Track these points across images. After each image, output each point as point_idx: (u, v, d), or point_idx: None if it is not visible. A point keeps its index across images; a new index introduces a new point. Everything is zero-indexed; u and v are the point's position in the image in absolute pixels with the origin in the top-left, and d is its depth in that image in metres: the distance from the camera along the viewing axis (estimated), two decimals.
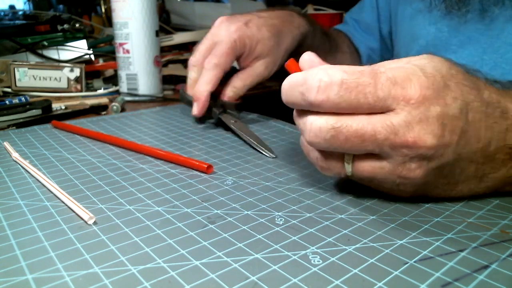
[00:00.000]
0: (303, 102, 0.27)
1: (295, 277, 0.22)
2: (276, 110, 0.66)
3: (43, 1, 1.25)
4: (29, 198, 0.31)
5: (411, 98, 0.25)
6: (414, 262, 0.23)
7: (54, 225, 0.27)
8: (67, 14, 0.91)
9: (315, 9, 1.10)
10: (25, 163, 0.37)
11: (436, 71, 0.26)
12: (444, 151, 0.26)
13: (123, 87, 0.66)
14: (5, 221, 0.28)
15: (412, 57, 0.27)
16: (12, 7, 1.32)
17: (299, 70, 0.30)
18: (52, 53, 0.78)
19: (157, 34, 0.65)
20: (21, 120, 0.52)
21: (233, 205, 0.30)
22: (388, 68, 0.26)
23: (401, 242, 0.25)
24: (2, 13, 1.04)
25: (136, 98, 0.65)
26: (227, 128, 0.48)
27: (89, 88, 0.73)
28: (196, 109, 0.48)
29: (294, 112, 0.29)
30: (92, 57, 0.81)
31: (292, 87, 0.28)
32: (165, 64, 0.84)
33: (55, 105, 0.59)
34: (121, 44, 0.64)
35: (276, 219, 0.28)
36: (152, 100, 0.66)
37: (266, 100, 0.82)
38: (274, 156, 0.40)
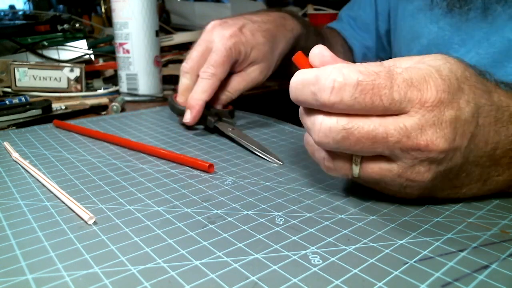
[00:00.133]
0: (314, 102, 0.26)
1: (295, 277, 0.22)
2: (276, 110, 0.66)
3: (43, 1, 1.25)
4: (29, 198, 0.31)
5: (427, 101, 0.24)
6: (414, 262, 0.23)
7: (54, 225, 0.27)
8: (67, 14, 0.91)
9: (315, 9, 1.10)
10: (25, 163, 0.37)
11: (452, 73, 0.25)
12: (453, 155, 0.25)
13: (123, 87, 0.66)
14: (5, 221, 0.28)
15: (426, 56, 0.27)
16: (12, 7, 1.32)
17: (309, 64, 0.28)
18: (52, 53, 0.78)
19: (157, 34, 0.65)
20: (21, 120, 0.52)
21: (233, 205, 0.30)
22: (404, 68, 0.25)
23: (401, 242, 0.25)
24: (2, 13, 1.04)
25: (136, 98, 0.65)
26: (224, 136, 0.47)
27: (89, 88, 0.73)
28: (189, 117, 0.47)
29: (301, 110, 0.28)
30: (92, 57, 0.81)
31: (303, 85, 0.26)
32: (165, 64, 0.84)
33: (55, 105, 0.59)
34: (121, 44, 0.64)
35: (276, 219, 0.28)
36: (152, 100, 0.66)
37: (266, 100, 0.82)
38: (281, 163, 0.38)
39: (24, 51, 0.76)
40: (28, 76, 0.67)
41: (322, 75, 0.25)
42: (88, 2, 1.24)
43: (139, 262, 0.23)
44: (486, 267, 0.23)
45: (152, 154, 0.40)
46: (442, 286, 0.21)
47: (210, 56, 0.48)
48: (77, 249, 0.24)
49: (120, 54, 0.64)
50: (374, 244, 0.25)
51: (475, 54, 0.45)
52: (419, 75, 0.25)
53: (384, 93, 0.24)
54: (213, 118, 0.47)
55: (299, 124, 0.38)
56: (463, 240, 0.25)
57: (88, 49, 0.81)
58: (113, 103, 0.59)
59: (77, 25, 0.83)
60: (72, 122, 0.51)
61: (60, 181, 0.34)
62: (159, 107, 0.61)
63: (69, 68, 0.68)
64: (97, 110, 0.58)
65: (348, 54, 0.69)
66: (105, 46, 0.89)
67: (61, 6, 1.22)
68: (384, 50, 0.68)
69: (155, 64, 0.65)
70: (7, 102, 0.55)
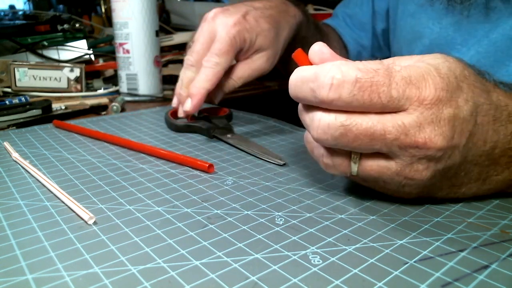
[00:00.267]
0: (313, 98, 0.26)
1: (295, 277, 0.22)
2: (276, 110, 0.66)
3: (43, 1, 1.25)
4: (29, 198, 0.31)
5: (425, 99, 0.24)
6: (414, 262, 0.23)
7: (54, 225, 0.27)
8: (67, 14, 0.91)
9: (315, 9, 1.10)
10: (25, 163, 0.37)
11: (450, 72, 0.25)
12: (452, 153, 0.25)
13: (123, 87, 0.66)
14: (5, 221, 0.28)
15: (425, 55, 0.27)
16: (12, 7, 1.31)
17: (308, 61, 0.28)
18: (52, 53, 0.78)
19: (157, 34, 0.65)
20: (21, 120, 0.52)
21: (233, 205, 0.30)
22: (403, 66, 0.25)
23: (401, 242, 0.25)
24: (2, 13, 1.04)
25: (136, 98, 0.65)
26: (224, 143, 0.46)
27: (89, 88, 0.73)
28: (189, 105, 0.45)
29: (300, 106, 0.28)
30: (92, 57, 0.81)
31: (302, 82, 0.27)
32: (165, 64, 0.84)
33: (55, 105, 0.59)
34: (121, 44, 0.64)
35: (276, 219, 0.28)
36: (152, 100, 0.66)
37: (266, 100, 0.82)
38: (282, 163, 0.38)
39: (24, 51, 0.76)
40: (28, 76, 0.67)
41: (321, 72, 0.25)
42: (88, 2, 1.24)
43: (139, 262, 0.23)
44: (486, 267, 0.23)
45: (152, 155, 0.40)
46: (442, 286, 0.21)
47: (213, 45, 0.46)
48: (77, 249, 0.24)
49: (120, 54, 0.64)
50: (374, 244, 0.25)
51: (476, 53, 0.45)
52: (417, 73, 0.25)
53: (382, 91, 0.24)
54: (211, 128, 0.46)
55: (299, 124, 0.38)
56: (463, 240, 0.25)
57: (88, 49, 0.81)
58: (113, 103, 0.59)
59: (77, 25, 0.83)
60: (72, 122, 0.51)
61: (60, 181, 0.34)
62: (159, 107, 0.61)
63: (69, 68, 0.68)
64: (97, 110, 0.58)
65: (343, 51, 0.68)
66: (105, 46, 0.89)
67: (61, 6, 1.22)
68: (380, 50, 0.67)
69: (155, 64, 0.65)
70: (7, 102, 0.55)
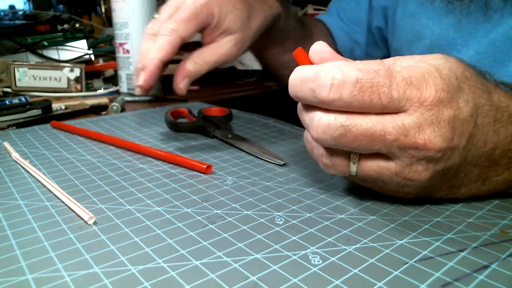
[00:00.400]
0: (313, 98, 0.26)
1: (295, 277, 0.22)
2: (276, 110, 0.66)
3: (43, 1, 1.25)
4: (29, 198, 0.31)
5: (426, 100, 0.24)
6: (414, 262, 0.23)
7: (54, 225, 0.27)
8: (67, 14, 0.91)
9: (315, 9, 1.10)
10: (25, 163, 0.37)
11: (451, 72, 0.25)
12: (451, 154, 0.25)
13: (123, 87, 0.66)
14: (5, 221, 0.28)
15: (426, 56, 0.27)
16: (12, 7, 1.31)
17: (308, 61, 0.28)
18: (52, 53, 0.78)
19: None
20: (21, 120, 0.52)
21: (233, 205, 0.30)
22: (404, 67, 0.25)
23: (401, 242, 0.25)
24: (2, 13, 1.04)
25: (136, 98, 0.65)
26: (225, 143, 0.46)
27: (89, 88, 0.73)
28: (142, 79, 0.40)
29: (300, 106, 0.28)
30: (92, 57, 0.81)
31: (302, 82, 0.26)
32: None
33: (55, 105, 0.59)
34: (121, 44, 0.64)
35: (276, 219, 0.28)
36: (152, 100, 0.66)
37: (266, 100, 0.82)
38: (282, 163, 0.38)
39: (24, 51, 0.76)
40: (28, 76, 0.67)
41: (321, 72, 0.25)
42: (88, 2, 1.24)
43: (139, 262, 0.23)
44: (486, 267, 0.23)
45: (149, 155, 0.40)
46: (442, 286, 0.21)
47: (176, 13, 0.42)
48: (77, 249, 0.24)
49: (120, 54, 0.64)
50: (374, 244, 0.25)
51: (475, 53, 0.45)
52: (418, 73, 0.25)
53: (383, 91, 0.24)
54: (210, 128, 0.46)
55: (299, 124, 0.38)
56: (463, 240, 0.25)
57: (88, 49, 0.81)
58: (113, 103, 0.59)
59: (77, 25, 0.83)
60: (72, 122, 0.51)
61: (60, 181, 0.34)
62: (159, 107, 0.61)
63: (69, 68, 0.68)
64: (97, 110, 0.58)
65: (332, 47, 0.67)
66: (105, 46, 0.89)
67: (61, 6, 1.22)
68: (375, 46, 0.66)
69: None
70: (7, 102, 0.55)
